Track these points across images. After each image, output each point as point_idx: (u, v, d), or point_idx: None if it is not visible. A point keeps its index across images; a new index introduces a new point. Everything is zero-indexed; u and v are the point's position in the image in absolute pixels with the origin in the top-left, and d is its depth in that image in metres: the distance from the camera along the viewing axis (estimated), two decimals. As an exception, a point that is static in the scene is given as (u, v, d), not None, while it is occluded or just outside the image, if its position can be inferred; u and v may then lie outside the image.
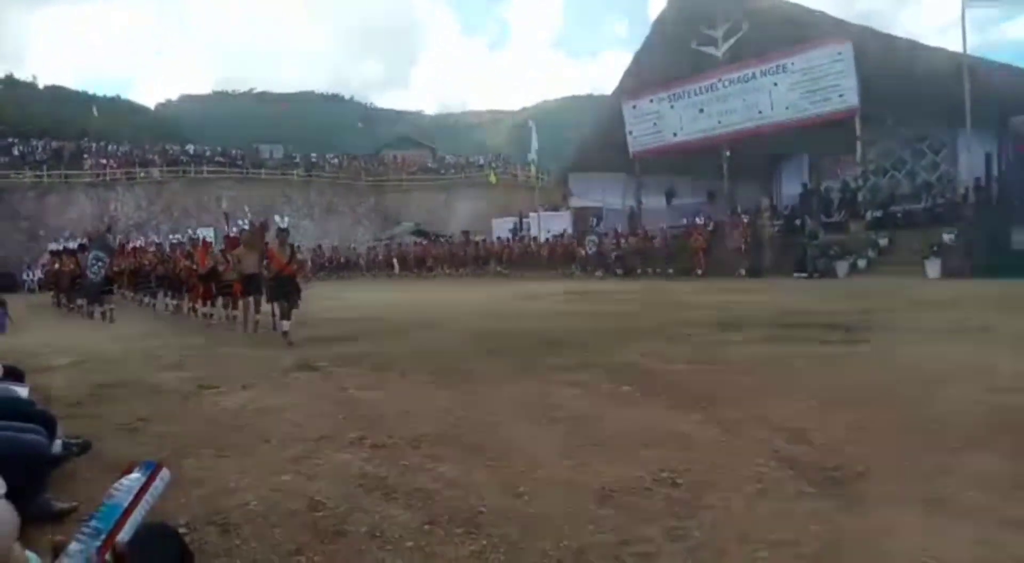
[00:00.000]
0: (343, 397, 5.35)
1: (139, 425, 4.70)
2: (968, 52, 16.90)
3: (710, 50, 22.29)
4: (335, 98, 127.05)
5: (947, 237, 16.15)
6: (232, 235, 11.83)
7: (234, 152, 42.15)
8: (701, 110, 23.14)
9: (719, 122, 22.63)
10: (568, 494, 3.08)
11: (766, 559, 2.40)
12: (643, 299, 13.12)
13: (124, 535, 1.09)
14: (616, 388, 5.24)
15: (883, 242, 18.23)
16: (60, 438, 3.62)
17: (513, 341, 7.93)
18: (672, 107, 23.95)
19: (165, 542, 1.55)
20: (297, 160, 43.03)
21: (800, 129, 21.45)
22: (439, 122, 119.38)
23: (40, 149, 37.34)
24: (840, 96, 19.66)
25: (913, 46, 18.81)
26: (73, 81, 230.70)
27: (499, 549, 2.56)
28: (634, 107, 25.09)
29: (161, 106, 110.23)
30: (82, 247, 14.57)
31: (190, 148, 42.09)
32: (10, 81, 77.03)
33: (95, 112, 53.33)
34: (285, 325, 8.78)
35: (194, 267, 12.07)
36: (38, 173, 32.47)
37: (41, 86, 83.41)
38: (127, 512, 1.11)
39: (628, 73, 25.61)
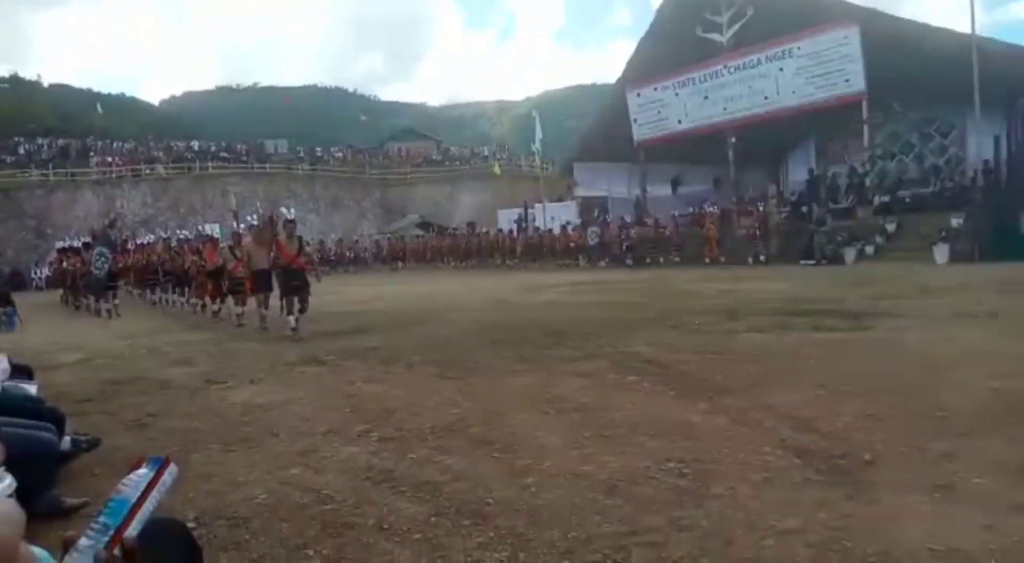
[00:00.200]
0: (350, 390, 5.37)
1: (148, 421, 4.74)
2: (976, 33, 16.63)
3: (714, 36, 22.07)
4: (339, 92, 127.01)
5: (955, 221, 16.03)
6: (239, 232, 11.83)
7: (239, 147, 42.18)
8: (706, 97, 22.94)
9: (724, 109, 22.44)
10: (575, 485, 3.09)
11: (773, 547, 2.40)
12: (650, 288, 13.08)
13: (133, 530, 1.10)
14: (622, 378, 5.23)
15: (891, 227, 18.09)
16: (69, 435, 3.67)
17: (519, 333, 7.93)
18: (677, 95, 23.77)
19: (174, 536, 1.56)
20: (302, 154, 42.99)
21: (806, 115, 21.30)
22: (443, 114, 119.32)
23: (46, 148, 37.48)
24: (847, 80, 19.43)
25: (920, 28, 18.56)
26: (77, 79, 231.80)
27: (506, 540, 2.57)
28: (638, 95, 24.92)
29: (165, 102, 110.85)
30: (87, 245, 14.65)
31: (195, 144, 42.09)
32: (15, 80, 77.24)
33: (100, 110, 53.63)
34: (292, 321, 8.75)
35: (202, 263, 12.08)
36: (44, 172, 32.57)
37: (46, 85, 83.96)
38: (135, 507, 1.12)
39: (632, 62, 25.41)
